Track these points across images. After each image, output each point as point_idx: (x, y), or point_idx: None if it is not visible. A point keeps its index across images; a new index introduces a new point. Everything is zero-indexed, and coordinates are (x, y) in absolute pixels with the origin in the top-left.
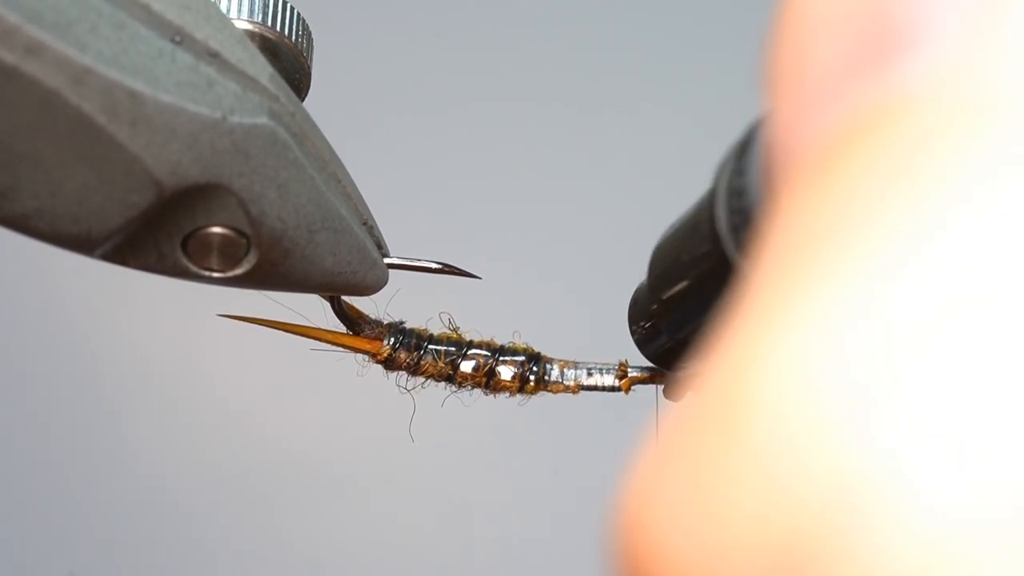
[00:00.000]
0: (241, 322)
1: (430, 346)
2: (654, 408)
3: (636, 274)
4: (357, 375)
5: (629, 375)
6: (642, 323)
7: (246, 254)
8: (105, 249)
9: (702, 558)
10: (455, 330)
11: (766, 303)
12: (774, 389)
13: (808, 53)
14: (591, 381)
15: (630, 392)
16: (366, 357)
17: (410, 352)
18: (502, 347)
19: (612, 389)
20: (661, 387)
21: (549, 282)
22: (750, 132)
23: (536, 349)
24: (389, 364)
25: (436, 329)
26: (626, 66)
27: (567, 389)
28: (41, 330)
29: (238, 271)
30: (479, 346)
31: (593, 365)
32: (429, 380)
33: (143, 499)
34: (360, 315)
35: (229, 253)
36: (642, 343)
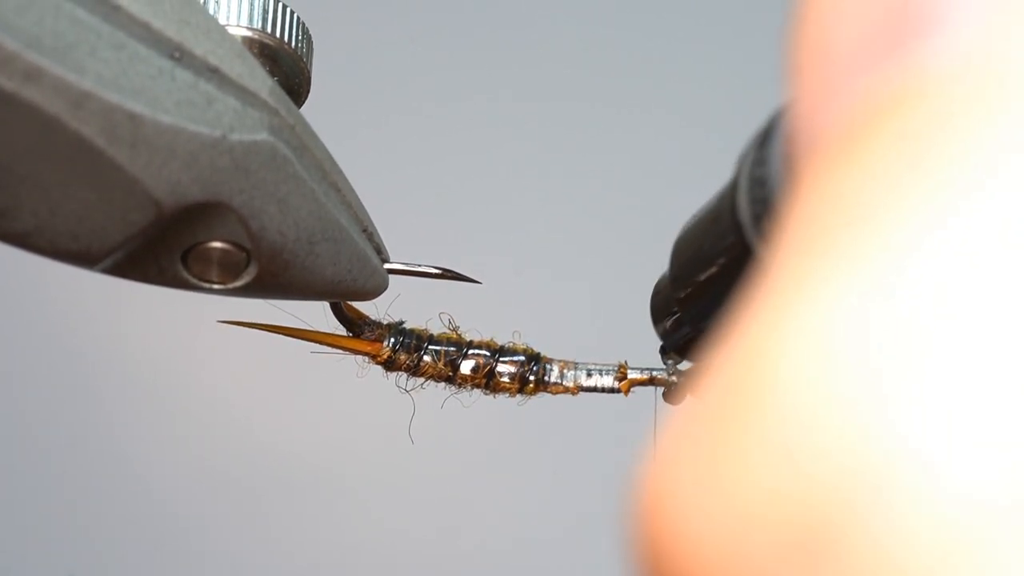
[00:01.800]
0: (240, 327)
1: (430, 347)
2: (653, 411)
3: (636, 274)
4: (357, 376)
5: (629, 377)
6: (664, 314)
7: (246, 267)
8: (105, 264)
9: (721, 538)
10: (455, 330)
11: (785, 284)
12: (792, 370)
13: (830, 37)
14: (590, 382)
15: (629, 394)
16: (366, 359)
17: (410, 353)
18: (502, 347)
19: (611, 391)
20: (660, 390)
21: (549, 283)
22: (771, 121)
23: (536, 350)
24: (389, 365)
25: (436, 330)
26: (624, 66)
27: (566, 390)
28: (41, 332)
29: (238, 283)
30: (479, 346)
31: (593, 366)
32: (429, 380)
33: (143, 500)
34: (361, 316)
35: (229, 266)
36: (665, 334)
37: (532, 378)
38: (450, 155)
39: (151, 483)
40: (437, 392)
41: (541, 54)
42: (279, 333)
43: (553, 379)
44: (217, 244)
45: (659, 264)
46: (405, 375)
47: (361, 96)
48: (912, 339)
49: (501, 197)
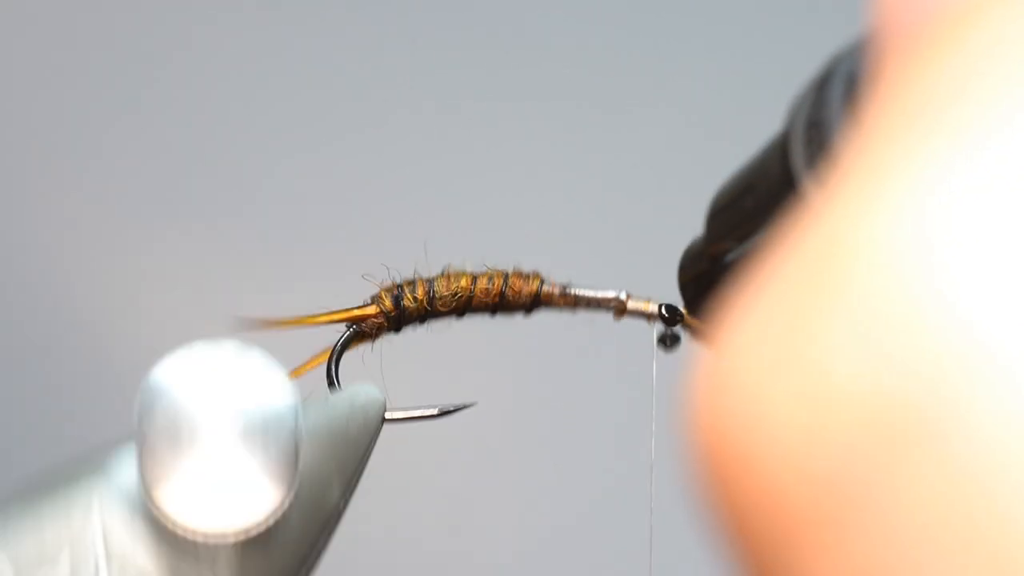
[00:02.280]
0: (256, 326)
1: (435, 283)
2: (653, 369)
3: (635, 272)
4: (356, 373)
5: (630, 307)
6: (698, 277)
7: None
8: None
9: (802, 418)
10: (446, 271)
11: (869, 166)
12: (881, 254)
13: None
14: (592, 294)
15: (622, 319)
16: (370, 346)
17: (416, 298)
18: (505, 272)
19: (613, 303)
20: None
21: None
22: (830, 66)
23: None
24: (399, 320)
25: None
26: (622, 67)
27: (565, 301)
28: (41, 332)
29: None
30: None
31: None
32: (441, 316)
33: None
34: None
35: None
36: (697, 299)
37: (544, 288)
38: (451, 155)
39: None
40: (436, 394)
41: (539, 53)
42: (289, 326)
43: (556, 292)
44: None
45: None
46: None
47: (362, 95)
48: (990, 232)
49: (502, 197)
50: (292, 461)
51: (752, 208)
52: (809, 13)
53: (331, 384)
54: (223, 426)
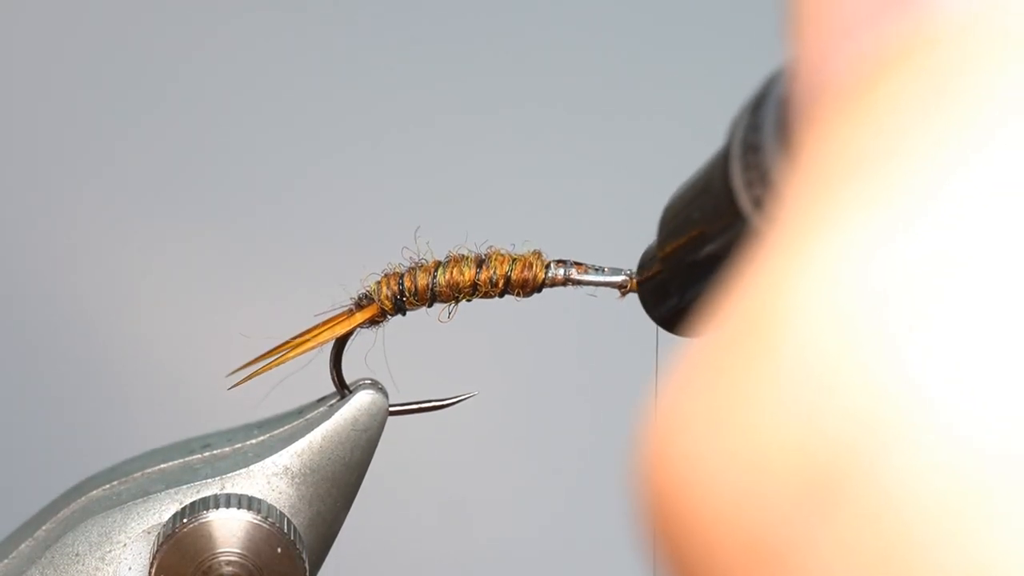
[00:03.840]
0: (251, 379)
1: (436, 271)
2: (655, 358)
3: (632, 258)
4: (356, 370)
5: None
6: (650, 284)
7: None
8: None
9: (731, 482)
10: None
11: (797, 229)
12: (805, 314)
13: None
14: (598, 279)
15: (624, 297)
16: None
17: (417, 295)
18: (512, 259)
19: (619, 284)
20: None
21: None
22: (764, 88)
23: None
24: (401, 308)
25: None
26: (619, 68)
27: (566, 278)
28: (41, 332)
29: None
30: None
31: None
32: (445, 302)
33: None
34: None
35: None
36: (650, 305)
37: (549, 275)
38: (451, 155)
39: None
40: (434, 392)
41: (539, 54)
42: (285, 358)
43: (560, 278)
44: None
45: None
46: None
47: (364, 95)
48: (922, 286)
49: (502, 198)
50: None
51: (698, 218)
52: None
53: (335, 383)
54: None
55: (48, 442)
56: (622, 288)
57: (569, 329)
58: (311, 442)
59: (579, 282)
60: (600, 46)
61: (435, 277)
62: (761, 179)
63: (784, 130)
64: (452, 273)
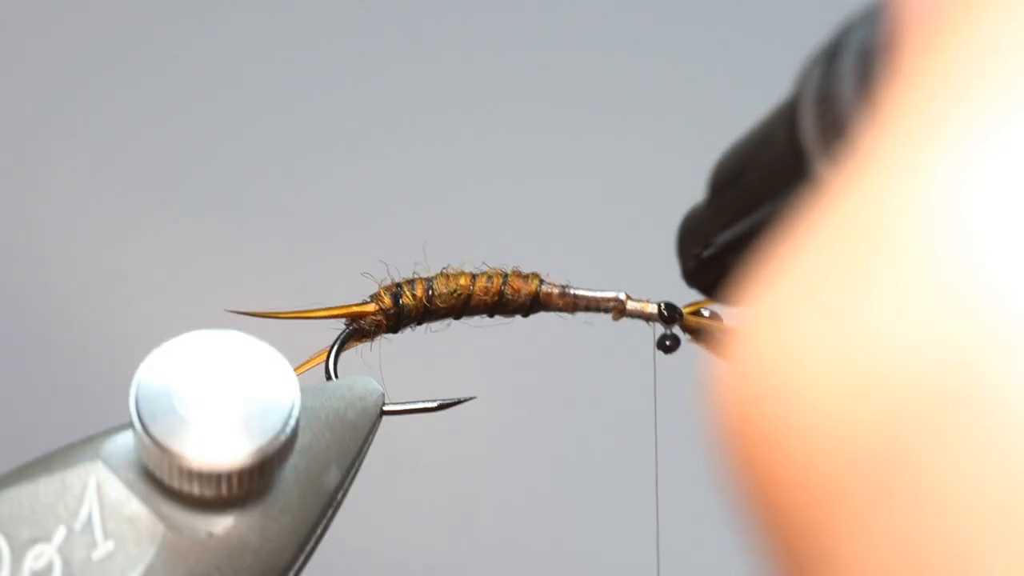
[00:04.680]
0: (247, 315)
1: (433, 284)
2: (653, 360)
3: (635, 277)
4: (355, 370)
5: (628, 307)
6: (695, 245)
7: None
8: None
9: (843, 394)
10: (444, 271)
11: (907, 141)
12: (930, 218)
13: None
14: (591, 294)
15: (621, 320)
16: (370, 345)
17: (415, 298)
18: (505, 274)
19: (611, 304)
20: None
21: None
22: (839, 36)
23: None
24: (397, 318)
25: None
26: (622, 67)
27: (564, 302)
28: (40, 333)
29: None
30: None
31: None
32: (439, 319)
33: None
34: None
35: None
36: (697, 271)
37: (543, 288)
38: (448, 155)
39: None
40: (434, 391)
41: (538, 54)
42: (285, 318)
43: (555, 292)
44: None
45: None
46: (413, 326)
47: (364, 96)
48: None
49: (501, 198)
50: (290, 435)
51: (758, 182)
52: (822, 15)
53: (329, 379)
54: (221, 402)
55: (48, 440)
56: (616, 306)
57: (569, 329)
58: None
59: (575, 299)
60: (624, 48)
61: (432, 281)
62: (837, 131)
63: (867, 80)
64: (449, 278)
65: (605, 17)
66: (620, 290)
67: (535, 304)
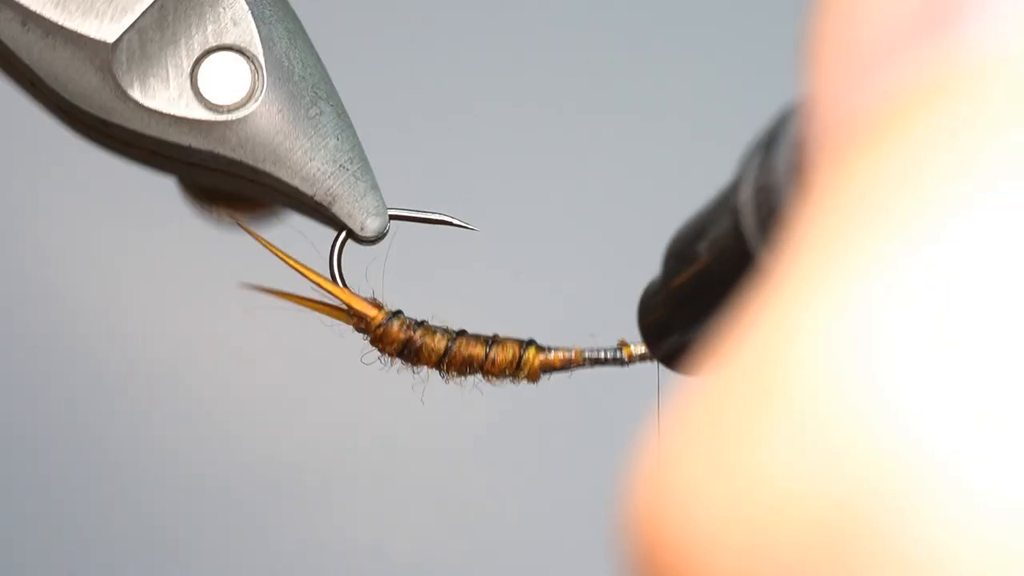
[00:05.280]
0: (260, 290)
1: (424, 326)
2: (657, 390)
3: (637, 282)
4: (351, 372)
5: (630, 348)
6: (653, 320)
7: (252, 91)
8: (120, 62)
9: (736, 537)
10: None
11: (805, 273)
12: (814, 362)
13: (856, 24)
14: (593, 355)
15: (630, 364)
16: (361, 335)
17: (407, 328)
18: (495, 335)
19: (614, 358)
20: (661, 366)
21: (551, 286)
22: (777, 125)
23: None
24: (381, 337)
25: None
26: (614, 70)
27: (567, 359)
28: (41, 330)
29: (243, 112)
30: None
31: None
32: (420, 365)
33: (144, 499)
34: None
35: (236, 83)
36: (652, 341)
37: (532, 350)
38: (450, 157)
39: (153, 481)
40: (434, 389)
41: (538, 53)
42: (288, 299)
43: (552, 355)
44: (227, 53)
45: (652, 268)
46: (393, 360)
47: (364, 96)
48: (928, 342)
49: (500, 200)
50: None
51: (706, 257)
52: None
53: (332, 275)
54: None
55: (49, 441)
56: (623, 352)
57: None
58: None
59: (582, 355)
60: (629, 52)
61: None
62: (775, 223)
63: (799, 173)
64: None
65: (605, 17)
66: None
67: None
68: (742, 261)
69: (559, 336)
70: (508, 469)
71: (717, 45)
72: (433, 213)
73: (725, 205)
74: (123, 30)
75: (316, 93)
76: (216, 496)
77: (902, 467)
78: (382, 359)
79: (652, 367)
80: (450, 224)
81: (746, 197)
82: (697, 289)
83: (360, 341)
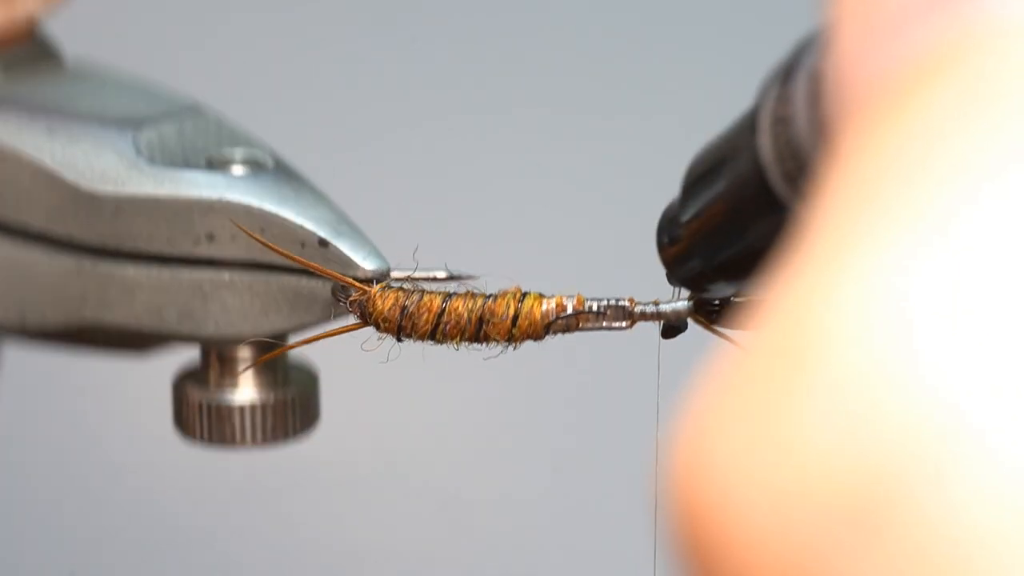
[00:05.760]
0: (245, 231)
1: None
2: (657, 358)
3: (636, 282)
4: (351, 372)
5: (637, 310)
6: (672, 243)
7: None
8: None
9: (768, 505)
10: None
11: (834, 239)
12: (846, 332)
13: None
14: (594, 304)
15: (634, 325)
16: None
17: (403, 295)
18: (493, 295)
19: (617, 308)
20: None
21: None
22: (795, 56)
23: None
24: (379, 309)
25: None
26: (615, 68)
27: (565, 307)
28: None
29: None
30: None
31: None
32: (416, 338)
33: (145, 499)
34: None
35: None
36: (671, 264)
37: (529, 298)
38: (449, 157)
39: (153, 481)
40: (433, 391)
41: (536, 54)
42: (276, 251)
43: (551, 302)
44: None
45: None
46: (393, 332)
47: (363, 96)
48: (964, 305)
49: (500, 200)
50: None
51: (723, 188)
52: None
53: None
54: None
55: (49, 439)
56: (628, 303)
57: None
58: None
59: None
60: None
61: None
62: (792, 154)
63: (816, 104)
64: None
65: (603, 17)
66: (622, 297)
67: (545, 327)
68: (761, 193)
69: (559, 335)
70: (508, 469)
71: (717, 45)
72: (439, 271)
73: (743, 135)
74: None
75: None
76: (216, 496)
77: (937, 435)
78: (380, 338)
79: (652, 366)
80: (456, 279)
81: (764, 129)
82: (716, 216)
83: (359, 340)
